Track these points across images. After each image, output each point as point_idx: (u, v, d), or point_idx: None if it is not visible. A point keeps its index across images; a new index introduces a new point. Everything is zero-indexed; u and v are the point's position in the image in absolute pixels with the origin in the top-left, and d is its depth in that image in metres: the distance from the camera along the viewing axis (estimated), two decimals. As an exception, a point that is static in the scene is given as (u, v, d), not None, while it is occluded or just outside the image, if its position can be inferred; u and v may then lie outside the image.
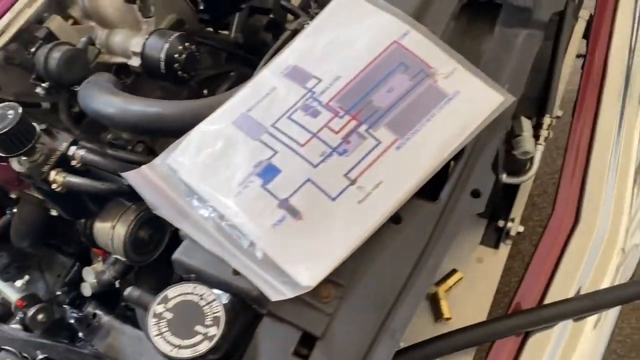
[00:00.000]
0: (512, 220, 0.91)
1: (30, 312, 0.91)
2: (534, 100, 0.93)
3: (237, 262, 0.57)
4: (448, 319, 0.85)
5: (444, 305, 0.85)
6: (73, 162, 0.79)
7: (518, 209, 0.92)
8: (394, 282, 0.58)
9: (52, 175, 0.77)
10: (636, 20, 1.08)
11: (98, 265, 0.97)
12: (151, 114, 0.73)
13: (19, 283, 1.00)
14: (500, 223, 0.91)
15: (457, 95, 0.67)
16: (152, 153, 0.85)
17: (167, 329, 0.53)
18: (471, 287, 0.89)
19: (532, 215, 1.57)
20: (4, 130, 0.73)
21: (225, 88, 1.03)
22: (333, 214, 0.60)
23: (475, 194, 0.63)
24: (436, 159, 0.63)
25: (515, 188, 0.92)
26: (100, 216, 0.89)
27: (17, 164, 0.79)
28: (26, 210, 0.98)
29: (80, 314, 1.00)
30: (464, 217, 0.61)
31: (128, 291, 0.58)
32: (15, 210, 0.99)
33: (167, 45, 0.86)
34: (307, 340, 0.56)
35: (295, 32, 0.84)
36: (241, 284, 0.56)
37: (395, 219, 0.61)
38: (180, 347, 0.53)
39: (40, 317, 0.93)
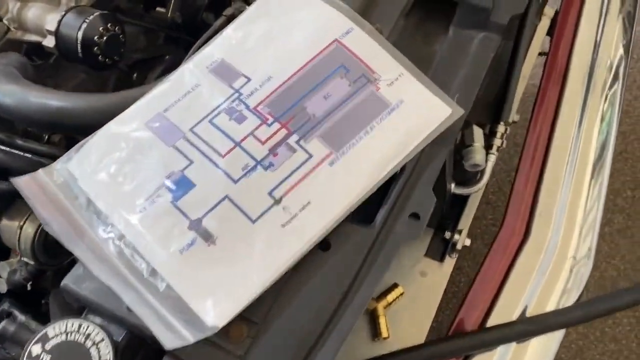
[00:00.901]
0: (460, 232, 0.86)
1: None
2: (489, 104, 0.88)
3: (131, 295, 0.49)
4: (385, 338, 0.80)
5: (382, 324, 0.80)
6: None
7: (466, 221, 0.87)
8: (317, 317, 0.52)
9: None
10: (602, 16, 1.03)
11: (14, 261, 0.88)
12: (52, 107, 0.63)
13: None
14: (447, 234, 0.86)
15: (400, 106, 0.60)
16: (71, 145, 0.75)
17: (45, 374, 0.46)
18: (412, 303, 0.84)
19: (486, 213, 1.54)
20: None
21: (158, 74, 0.94)
22: (252, 239, 0.52)
23: (414, 217, 0.56)
24: (373, 177, 0.56)
25: (464, 198, 0.87)
26: (7, 213, 0.80)
27: None
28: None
29: None
30: (400, 243, 0.55)
31: (1, 325, 0.50)
32: None
33: (84, 25, 0.75)
34: (213, 386, 0.49)
35: (230, 19, 0.76)
36: (138, 320, 0.48)
37: (323, 245, 0.54)
38: (60, 396, 0.45)
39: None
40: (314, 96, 0.59)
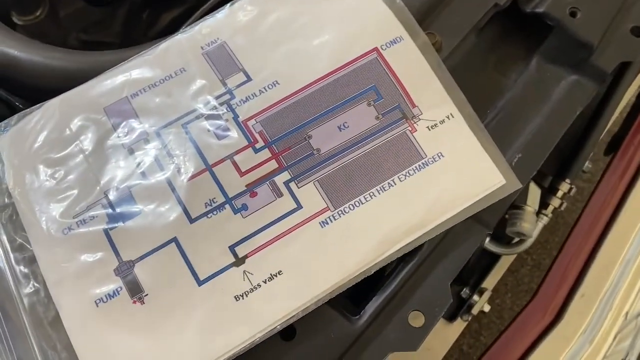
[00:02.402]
0: (481, 292, 0.71)
1: None
2: (557, 149, 0.70)
3: (15, 352, 0.37)
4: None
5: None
6: None
7: (492, 281, 0.72)
8: None
9: None
10: None
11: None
12: (2, 53, 0.50)
13: None
14: (465, 292, 0.71)
15: (437, 161, 0.44)
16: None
17: None
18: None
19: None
20: None
21: (174, 16, 0.79)
22: (191, 308, 0.39)
23: (416, 319, 0.42)
24: (376, 254, 0.41)
25: (495, 256, 0.71)
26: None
27: None
28: None
29: None
30: (387, 353, 0.41)
31: None
32: None
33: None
34: None
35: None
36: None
37: (286, 333, 0.41)
38: None
39: None
40: (326, 123, 0.44)
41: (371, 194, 0.42)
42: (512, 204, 0.60)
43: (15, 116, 0.46)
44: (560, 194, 0.65)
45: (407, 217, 0.42)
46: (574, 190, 0.66)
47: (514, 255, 0.75)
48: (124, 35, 0.77)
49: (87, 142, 0.44)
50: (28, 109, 0.47)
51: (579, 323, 0.68)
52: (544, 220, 0.65)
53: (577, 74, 0.50)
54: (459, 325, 0.72)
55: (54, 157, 0.44)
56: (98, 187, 0.42)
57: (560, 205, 0.66)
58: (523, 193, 0.60)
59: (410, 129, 0.44)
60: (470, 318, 0.72)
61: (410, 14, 0.47)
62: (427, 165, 0.44)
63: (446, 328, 0.71)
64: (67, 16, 0.74)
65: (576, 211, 0.75)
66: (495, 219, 0.46)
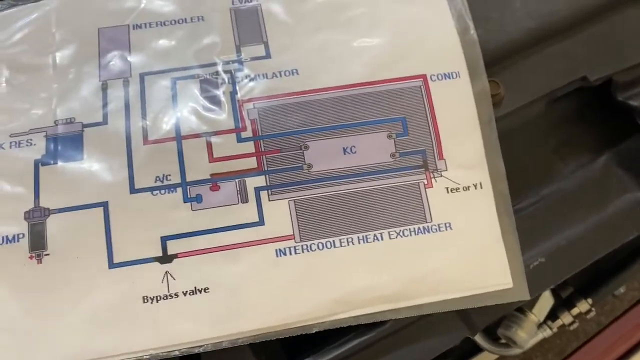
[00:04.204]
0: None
1: None
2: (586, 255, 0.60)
3: None
4: None
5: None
6: None
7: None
8: None
9: None
10: None
11: None
12: None
13: None
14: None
15: (442, 231, 0.36)
16: None
17: None
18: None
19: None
20: None
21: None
22: (88, 291, 0.32)
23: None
24: (324, 312, 0.33)
25: (475, 347, 0.62)
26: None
27: None
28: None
29: None
30: None
31: None
32: None
33: None
34: None
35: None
36: None
37: None
38: None
39: None
40: (331, 139, 0.36)
41: (350, 239, 0.35)
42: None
43: (6, 1, 0.40)
44: (575, 311, 0.56)
45: (381, 283, 0.34)
46: (592, 314, 0.57)
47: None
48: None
49: (64, 58, 0.37)
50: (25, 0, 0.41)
51: None
52: (546, 332, 0.56)
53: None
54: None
55: (23, 60, 0.37)
56: (51, 113, 0.36)
57: (571, 324, 0.57)
58: (532, 301, 0.51)
59: (427, 182, 0.36)
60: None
61: (480, 51, 0.38)
62: (429, 231, 0.35)
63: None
64: None
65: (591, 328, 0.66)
66: (483, 324, 0.37)
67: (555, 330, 0.57)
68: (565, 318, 0.55)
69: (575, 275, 0.54)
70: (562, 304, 0.55)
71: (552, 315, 0.55)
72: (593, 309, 0.56)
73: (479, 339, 0.56)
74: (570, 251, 0.40)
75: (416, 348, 0.36)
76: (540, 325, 0.54)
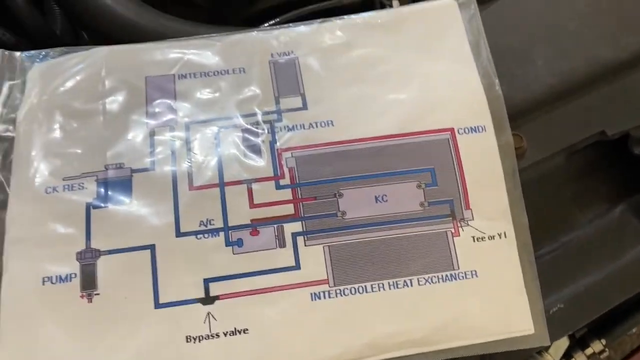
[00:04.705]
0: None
1: None
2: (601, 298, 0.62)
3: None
4: None
5: None
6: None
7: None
8: None
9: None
10: None
11: None
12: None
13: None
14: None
15: (469, 279, 0.37)
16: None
17: None
18: None
19: None
20: None
21: (267, 5, 0.75)
22: (136, 330, 0.34)
23: None
24: (356, 354, 0.35)
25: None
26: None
27: None
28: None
29: None
30: None
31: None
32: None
33: None
34: None
35: (365, 1, 0.54)
36: None
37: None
38: None
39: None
40: (364, 188, 0.38)
41: (381, 285, 0.37)
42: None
43: (59, 49, 0.43)
44: (589, 351, 0.57)
45: (410, 328, 0.36)
46: (605, 354, 0.58)
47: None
48: (214, 3, 0.74)
49: (114, 105, 0.40)
50: (73, 47, 0.43)
51: None
52: (558, 373, 0.57)
53: (661, 247, 0.43)
54: None
55: (75, 107, 0.40)
56: (102, 158, 0.38)
57: (585, 363, 0.59)
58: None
59: (454, 231, 0.38)
60: None
61: (504, 106, 0.41)
62: (456, 279, 0.37)
63: None
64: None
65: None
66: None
67: (569, 369, 0.58)
68: (579, 357, 0.57)
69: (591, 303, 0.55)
70: (576, 344, 0.57)
71: (567, 355, 0.57)
72: (607, 349, 0.57)
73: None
74: (588, 298, 0.42)
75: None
76: (555, 364, 0.56)
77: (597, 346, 0.57)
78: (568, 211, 0.45)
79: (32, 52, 0.43)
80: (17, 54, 0.42)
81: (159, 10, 0.51)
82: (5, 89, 0.40)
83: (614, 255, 0.43)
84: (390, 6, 0.54)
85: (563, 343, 0.54)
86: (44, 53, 0.42)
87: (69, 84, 0.41)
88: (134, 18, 0.45)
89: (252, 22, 0.76)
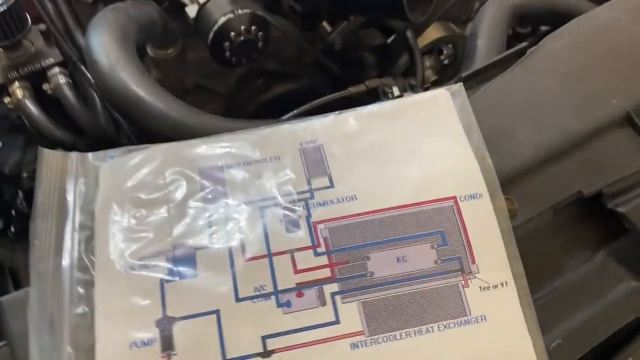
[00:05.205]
0: None
1: None
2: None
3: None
4: None
5: None
6: (45, 87, 0.64)
7: None
8: None
9: (14, 86, 0.63)
10: None
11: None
12: (129, 91, 0.56)
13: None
14: None
15: (479, 322, 0.45)
16: (131, 142, 0.67)
17: None
18: None
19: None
20: (-15, 11, 0.59)
21: (283, 90, 0.85)
22: (210, 383, 0.42)
23: None
24: (393, 393, 0.43)
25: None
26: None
27: (-9, 55, 0.65)
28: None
29: (25, 211, 0.88)
30: None
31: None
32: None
33: (230, 15, 0.68)
34: None
35: (369, 92, 0.64)
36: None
37: None
38: None
39: None
40: (387, 250, 0.46)
41: (408, 333, 0.44)
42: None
43: (120, 149, 0.51)
44: (590, 383, 0.64)
45: (435, 368, 0.43)
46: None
47: None
48: (235, 91, 0.84)
49: (175, 194, 0.48)
50: (133, 147, 0.52)
51: None
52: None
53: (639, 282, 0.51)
54: None
55: (142, 198, 0.48)
56: (169, 239, 0.46)
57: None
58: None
59: (464, 283, 0.46)
60: None
61: (496, 175, 0.49)
62: (469, 323, 0.45)
63: None
64: (192, 60, 0.82)
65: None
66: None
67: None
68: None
69: (587, 353, 0.63)
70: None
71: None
72: (606, 380, 0.63)
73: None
74: (581, 333, 0.49)
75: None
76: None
77: (596, 378, 0.64)
78: (557, 259, 0.52)
79: (99, 153, 0.51)
80: (89, 156, 0.50)
81: (181, 97, 0.60)
82: (82, 186, 0.49)
83: (599, 294, 0.50)
84: (392, 94, 0.63)
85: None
86: (111, 153, 0.51)
87: (135, 178, 0.49)
88: (185, 119, 0.54)
89: (265, 105, 0.87)
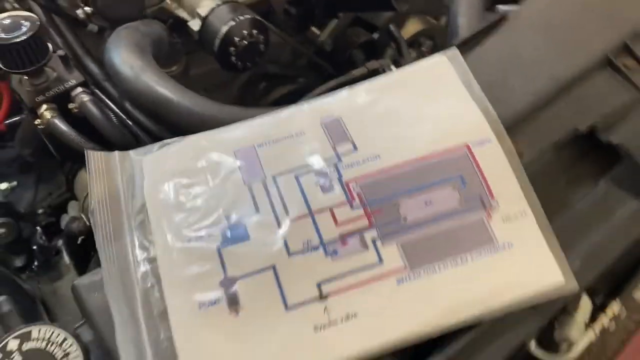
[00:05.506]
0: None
1: (-7, 221, 0.85)
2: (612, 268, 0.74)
3: (130, 330, 0.44)
4: None
5: None
6: (71, 106, 0.68)
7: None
8: None
9: (42, 109, 0.67)
10: None
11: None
12: (158, 93, 0.61)
13: (3, 186, 0.94)
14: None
15: (506, 249, 0.50)
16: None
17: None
18: None
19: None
20: (11, 42, 0.64)
21: (284, 93, 0.91)
22: (276, 329, 0.45)
23: (467, 384, 0.47)
24: (441, 319, 0.47)
25: (540, 362, 0.74)
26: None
27: (17, 83, 0.70)
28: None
29: (47, 244, 0.92)
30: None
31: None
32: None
33: (232, 23, 0.74)
34: None
35: (371, 74, 0.70)
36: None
37: (349, 371, 0.46)
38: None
39: (0, 230, 0.87)
40: (415, 197, 0.51)
41: (445, 265, 0.49)
42: (564, 311, 0.64)
43: (157, 144, 0.56)
44: (609, 313, 0.68)
45: (472, 294, 0.48)
46: (624, 314, 0.70)
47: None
48: (239, 99, 0.89)
49: (216, 173, 0.53)
50: (168, 140, 0.56)
51: None
52: (591, 335, 0.68)
53: (640, 201, 0.56)
54: None
55: (186, 180, 0.52)
56: (218, 213, 0.50)
57: (609, 327, 0.69)
58: (575, 302, 0.64)
59: (487, 216, 0.51)
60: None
61: (500, 122, 0.55)
62: (497, 251, 0.50)
63: None
64: (196, 75, 0.87)
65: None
66: (550, 313, 0.50)
67: (598, 334, 0.69)
68: (604, 321, 0.68)
69: (604, 283, 0.68)
70: (598, 309, 0.68)
71: (592, 321, 0.68)
72: (623, 307, 0.68)
73: (541, 354, 0.68)
74: (596, 253, 0.54)
75: (506, 339, 0.49)
76: (586, 329, 0.66)
77: (614, 307, 0.68)
78: (565, 193, 0.58)
79: (139, 149, 0.56)
80: (131, 152, 0.55)
81: (198, 91, 0.65)
82: (128, 178, 0.53)
83: (606, 218, 0.56)
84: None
85: (587, 307, 0.65)
86: (150, 148, 0.55)
87: (176, 164, 0.54)
88: (211, 112, 0.59)
89: (268, 107, 0.91)
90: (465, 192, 0.52)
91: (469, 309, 0.48)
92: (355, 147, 0.54)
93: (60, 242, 0.89)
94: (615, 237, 0.55)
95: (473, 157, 0.53)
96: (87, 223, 0.82)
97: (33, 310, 0.83)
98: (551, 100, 0.58)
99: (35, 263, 0.91)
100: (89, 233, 0.83)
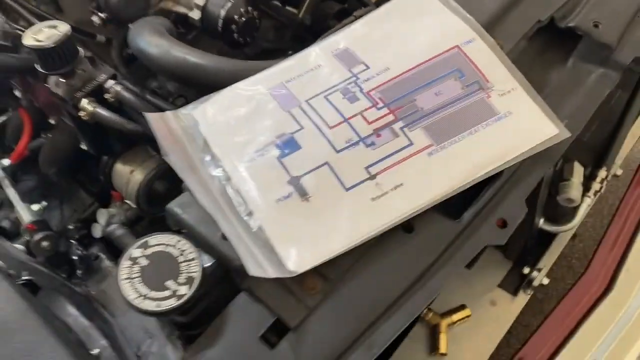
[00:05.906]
0: (539, 270, 0.84)
1: (37, 237, 0.91)
2: (594, 149, 0.86)
3: (228, 228, 0.54)
4: (443, 354, 0.79)
5: (443, 340, 0.80)
6: (107, 96, 0.77)
7: (549, 260, 0.85)
8: (387, 293, 0.53)
9: (83, 102, 0.76)
10: None
11: (113, 209, 0.96)
12: (191, 62, 0.71)
13: (35, 207, 1.01)
14: (526, 270, 0.84)
15: (507, 116, 0.61)
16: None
17: (138, 275, 0.50)
18: (477, 327, 0.83)
19: (566, 277, 1.47)
20: (48, 46, 0.73)
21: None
22: (342, 204, 0.56)
23: (501, 224, 0.57)
24: (468, 175, 0.58)
25: (551, 237, 0.85)
26: (123, 157, 0.88)
27: (54, 85, 0.78)
28: (59, 137, 0.98)
29: (85, 253, 0.99)
30: (482, 245, 0.56)
31: (112, 227, 0.55)
32: (50, 135, 1.00)
33: (229, 5, 0.84)
34: (279, 328, 0.52)
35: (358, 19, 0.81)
36: (226, 250, 0.52)
37: (407, 227, 0.56)
38: (145, 297, 0.49)
39: (44, 244, 0.93)
40: (426, 91, 0.62)
41: (462, 136, 0.60)
42: (562, 178, 0.76)
43: (201, 99, 0.66)
44: (599, 179, 0.81)
45: (490, 153, 0.59)
46: (610, 176, 0.82)
47: (567, 239, 0.88)
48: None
49: (259, 107, 0.63)
50: (208, 95, 0.66)
51: (628, 293, 0.80)
52: (588, 201, 0.80)
53: (603, 68, 0.69)
54: (523, 298, 0.84)
55: (236, 116, 0.63)
56: (269, 133, 0.60)
57: (600, 189, 0.82)
58: (569, 169, 0.76)
59: (486, 95, 0.62)
60: (532, 292, 0.84)
61: (479, 24, 0.66)
62: (501, 119, 0.61)
63: (512, 300, 0.83)
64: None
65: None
66: (556, 157, 0.62)
67: (593, 197, 0.81)
68: (595, 186, 0.80)
69: (589, 158, 0.80)
70: (589, 179, 0.80)
71: (586, 190, 0.80)
72: (609, 173, 0.81)
73: (548, 226, 0.79)
74: (579, 111, 0.66)
75: (525, 182, 0.60)
76: (582, 197, 0.78)
77: (602, 173, 0.81)
78: (542, 73, 0.70)
79: (187, 106, 0.66)
80: (181, 110, 0.65)
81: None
82: (185, 127, 0.63)
83: (580, 85, 0.68)
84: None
85: (580, 169, 0.77)
86: (195, 104, 0.65)
87: (224, 108, 0.64)
88: (240, 68, 0.69)
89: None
90: (464, 80, 0.63)
91: (490, 163, 0.59)
92: (367, 66, 0.65)
93: (97, 249, 0.97)
94: (590, 97, 0.67)
95: (464, 53, 0.65)
96: (126, 214, 0.91)
97: (92, 309, 0.91)
98: (513, 3, 0.70)
99: (79, 272, 0.98)
100: (132, 221, 0.92)
